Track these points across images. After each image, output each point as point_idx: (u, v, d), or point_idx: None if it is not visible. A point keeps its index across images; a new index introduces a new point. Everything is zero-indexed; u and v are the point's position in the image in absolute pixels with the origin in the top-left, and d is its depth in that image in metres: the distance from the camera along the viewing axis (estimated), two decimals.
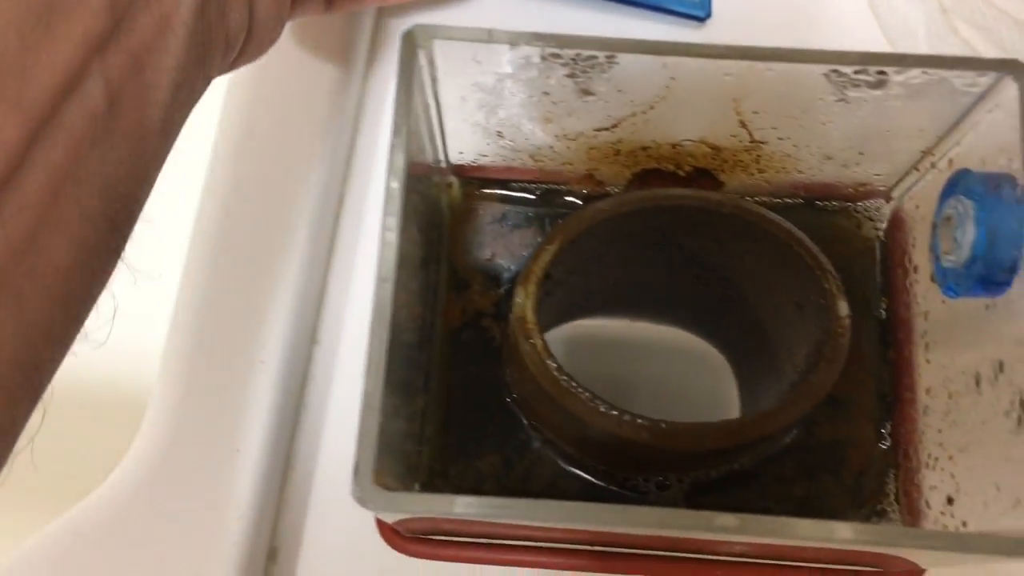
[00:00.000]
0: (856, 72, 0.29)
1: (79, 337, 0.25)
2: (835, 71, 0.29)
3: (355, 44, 0.45)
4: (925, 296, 0.34)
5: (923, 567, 0.33)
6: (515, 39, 0.29)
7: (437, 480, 0.35)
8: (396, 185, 0.28)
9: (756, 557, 0.34)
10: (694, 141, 0.34)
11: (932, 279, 0.33)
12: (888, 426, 0.36)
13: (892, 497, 0.35)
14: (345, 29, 0.45)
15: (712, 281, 0.38)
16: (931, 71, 0.29)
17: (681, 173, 0.36)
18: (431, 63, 0.31)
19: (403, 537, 0.35)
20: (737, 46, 0.29)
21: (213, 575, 0.37)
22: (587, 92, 0.31)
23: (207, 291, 0.40)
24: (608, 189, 0.38)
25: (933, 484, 0.33)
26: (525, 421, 0.36)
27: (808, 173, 0.36)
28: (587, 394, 0.31)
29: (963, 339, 0.32)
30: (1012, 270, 0.29)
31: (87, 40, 0.23)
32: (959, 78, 0.29)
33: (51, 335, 0.23)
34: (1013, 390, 0.28)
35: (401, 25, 0.48)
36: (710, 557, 0.35)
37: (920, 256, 0.34)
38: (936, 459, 0.33)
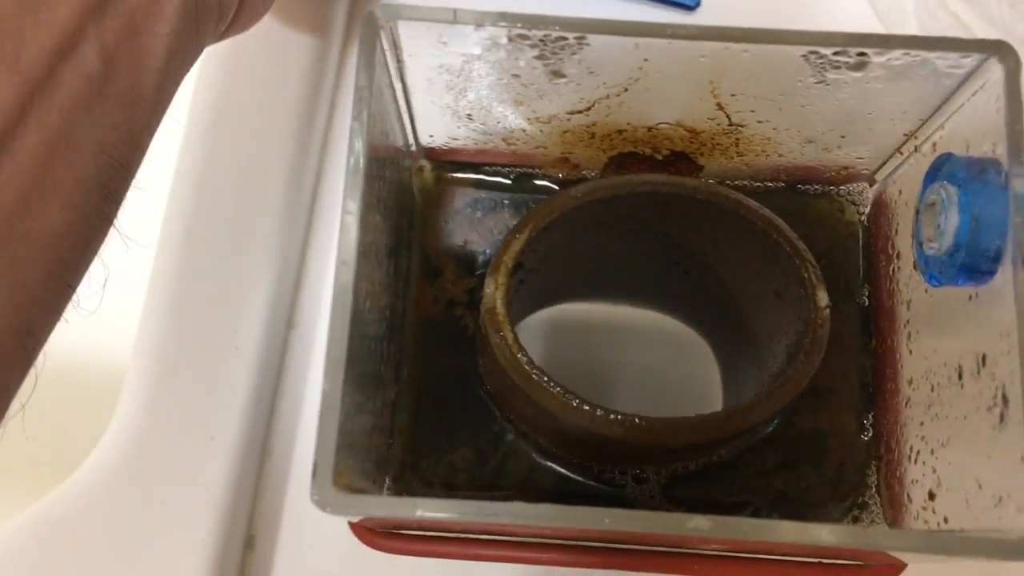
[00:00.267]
0: (836, 54, 0.28)
1: (70, 304, 0.25)
2: (814, 52, 0.28)
3: (332, 20, 0.44)
4: (908, 284, 0.33)
5: (905, 562, 0.32)
6: (481, 19, 0.28)
7: (408, 474, 0.34)
8: (357, 168, 0.27)
9: (736, 551, 0.33)
10: (671, 124, 0.33)
11: (915, 267, 0.32)
12: (870, 417, 0.35)
13: (874, 489, 0.34)
14: (322, 5, 0.43)
15: (691, 267, 0.37)
16: (913, 52, 0.28)
17: (658, 156, 0.35)
18: (395, 45, 0.29)
19: (375, 533, 0.34)
20: (711, 27, 0.28)
21: (189, 564, 0.36)
22: (558, 74, 0.30)
23: (179, 276, 0.39)
24: (584, 173, 0.37)
25: (915, 478, 0.32)
26: (499, 413, 0.35)
27: (789, 156, 0.35)
28: (559, 388, 0.30)
29: (946, 330, 0.31)
30: (996, 259, 0.28)
31: (84, 3, 0.23)
32: (942, 60, 0.28)
33: (44, 301, 0.23)
34: (996, 384, 0.27)
35: (377, 3, 0.46)
36: (689, 551, 0.34)
37: (903, 243, 0.34)
38: (918, 452, 0.32)
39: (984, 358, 0.28)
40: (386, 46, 0.29)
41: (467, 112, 0.33)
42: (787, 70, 0.29)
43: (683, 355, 0.42)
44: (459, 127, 0.34)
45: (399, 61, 0.30)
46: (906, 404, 0.33)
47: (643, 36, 0.28)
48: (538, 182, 0.37)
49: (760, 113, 0.32)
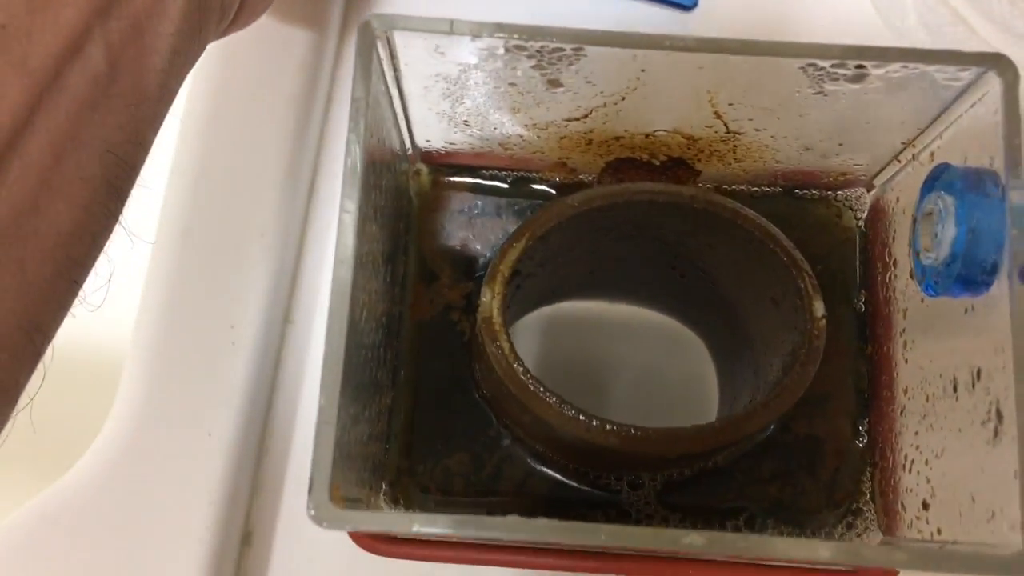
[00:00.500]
0: (834, 66, 0.28)
1: (76, 299, 0.25)
2: (812, 64, 0.28)
3: (328, 17, 0.44)
4: (904, 292, 0.33)
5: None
6: (477, 30, 0.28)
7: (404, 479, 0.34)
8: (354, 176, 0.27)
9: (733, 558, 0.34)
10: (668, 131, 0.33)
11: (911, 275, 0.32)
12: (866, 423, 0.35)
13: (868, 496, 0.34)
14: (318, 2, 0.43)
15: (688, 271, 0.37)
16: (912, 65, 0.28)
17: (656, 162, 0.35)
18: (392, 54, 0.29)
19: (372, 538, 0.34)
20: (709, 39, 0.28)
21: (186, 560, 0.37)
22: (555, 83, 0.30)
23: (176, 273, 0.39)
24: (581, 177, 0.36)
25: (909, 487, 0.32)
26: (495, 418, 0.35)
27: (787, 163, 0.35)
28: (555, 399, 0.30)
29: (942, 341, 0.31)
30: (992, 271, 0.28)
31: (90, 4, 0.24)
32: (940, 72, 0.28)
33: (52, 298, 0.23)
34: (990, 399, 0.27)
35: (372, 2, 0.46)
36: (684, 556, 0.34)
37: (900, 250, 0.33)
38: (912, 461, 0.32)
39: (979, 372, 0.28)
40: (382, 55, 0.29)
41: (464, 119, 0.33)
42: (784, 81, 0.29)
43: (680, 353, 0.42)
44: (456, 132, 0.34)
45: (395, 69, 0.30)
46: (901, 412, 0.33)
47: (640, 48, 0.28)
48: (535, 186, 0.37)
49: (757, 121, 0.32)
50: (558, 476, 0.34)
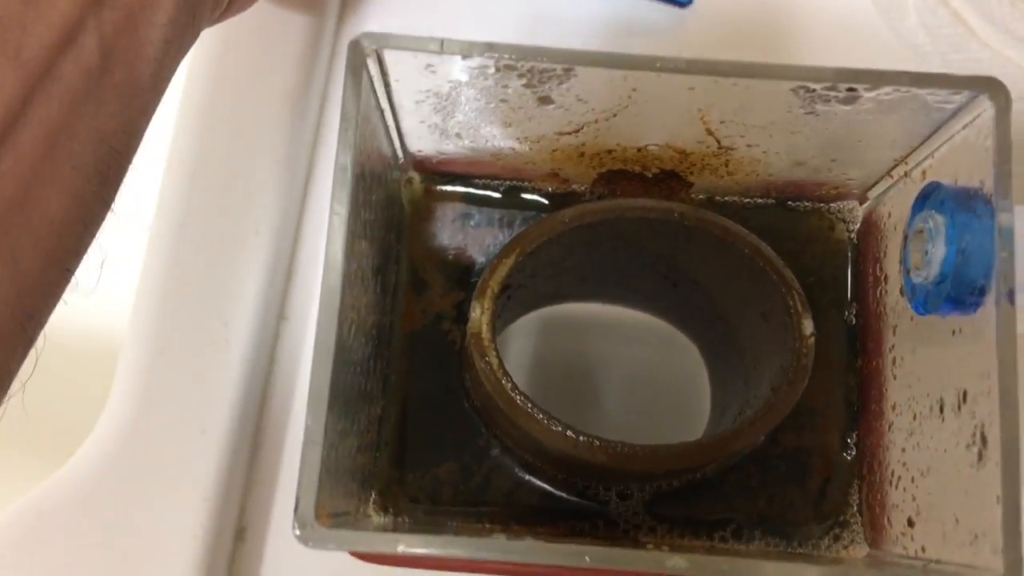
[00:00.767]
0: (825, 88, 0.28)
1: (69, 286, 0.25)
2: (803, 87, 0.28)
3: (324, 7, 0.44)
4: (894, 308, 0.33)
5: None
6: (467, 49, 0.28)
7: (394, 488, 0.35)
8: (344, 184, 0.27)
9: None
10: (660, 145, 0.33)
11: (901, 292, 0.32)
12: (854, 436, 0.35)
13: (855, 509, 0.35)
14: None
15: (679, 281, 0.37)
16: (903, 88, 0.28)
17: (648, 174, 0.35)
18: (382, 69, 0.29)
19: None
20: (700, 60, 0.28)
21: (180, 556, 0.37)
22: (546, 100, 0.30)
23: (170, 269, 0.39)
24: (574, 187, 0.36)
25: (895, 503, 0.32)
26: (484, 428, 0.35)
27: (779, 176, 0.35)
28: (542, 415, 0.30)
29: (930, 360, 0.31)
30: (981, 292, 0.28)
31: None
32: (932, 96, 0.28)
33: (44, 286, 0.24)
34: (975, 423, 0.27)
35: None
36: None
37: (891, 266, 0.33)
38: (899, 478, 0.32)
39: (965, 394, 0.28)
40: (373, 71, 0.29)
41: (456, 131, 0.33)
42: (776, 101, 0.29)
43: (673, 355, 0.42)
44: (448, 144, 0.34)
45: (386, 85, 0.30)
46: (889, 428, 0.33)
47: (631, 69, 0.28)
48: (528, 196, 0.37)
49: (749, 138, 0.32)
50: (547, 486, 0.34)
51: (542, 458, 0.34)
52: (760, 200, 0.36)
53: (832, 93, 0.28)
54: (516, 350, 0.42)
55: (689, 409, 0.42)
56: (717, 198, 0.36)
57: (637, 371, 0.43)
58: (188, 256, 0.39)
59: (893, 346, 0.33)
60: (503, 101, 0.30)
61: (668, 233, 0.33)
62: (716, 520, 0.35)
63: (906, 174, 0.33)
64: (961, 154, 0.30)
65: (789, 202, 0.36)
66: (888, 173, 0.34)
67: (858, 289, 0.36)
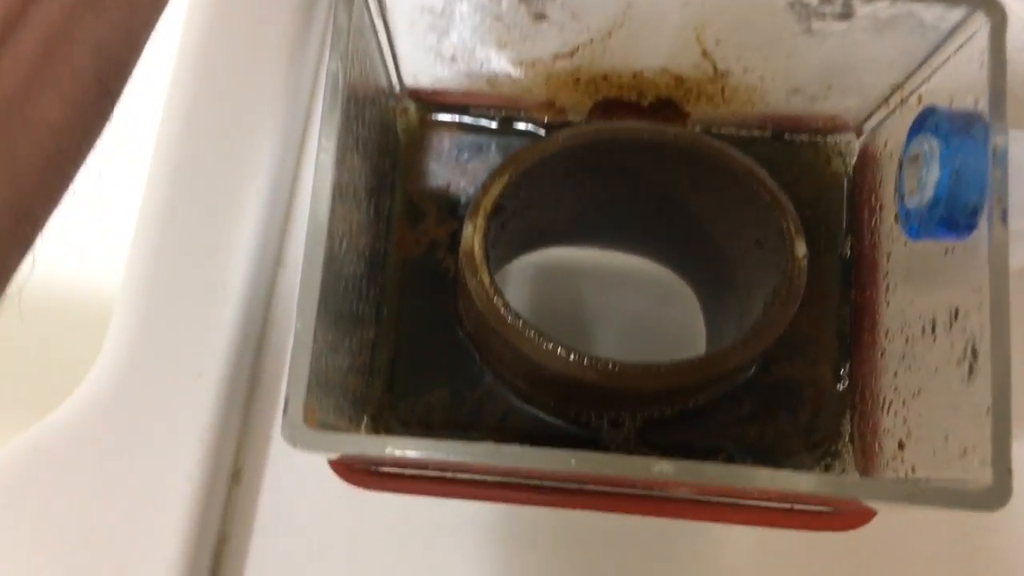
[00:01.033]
0: (821, 3, 0.28)
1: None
2: (799, 2, 0.28)
3: None
4: (889, 236, 0.33)
5: (874, 509, 0.33)
6: None
7: (386, 413, 0.35)
8: (334, 107, 0.27)
9: (710, 495, 0.34)
10: (656, 71, 0.33)
11: (896, 219, 0.32)
12: (847, 367, 0.35)
13: (847, 438, 0.35)
14: None
15: (674, 215, 0.37)
16: (899, 3, 0.28)
17: (643, 103, 0.35)
18: None
19: (354, 470, 0.34)
20: None
21: (175, 496, 0.37)
22: (540, 16, 0.30)
23: (167, 214, 0.39)
24: (570, 117, 0.36)
25: (887, 428, 0.32)
26: (477, 356, 0.35)
27: (775, 106, 0.35)
28: (534, 332, 0.30)
29: (923, 283, 0.31)
30: (974, 213, 0.28)
31: None
32: (928, 12, 0.28)
33: (41, 188, 0.24)
34: (966, 338, 0.27)
35: None
36: (662, 494, 0.34)
37: (887, 195, 0.33)
38: (890, 403, 0.32)
39: (957, 311, 0.28)
40: None
41: (451, 54, 0.33)
42: (772, 19, 0.29)
43: (668, 301, 0.42)
44: (443, 68, 0.34)
45: (380, 2, 0.30)
46: (882, 355, 0.33)
47: None
48: (523, 125, 0.37)
49: (745, 61, 0.32)
50: (539, 413, 0.34)
51: (534, 383, 0.34)
52: (757, 133, 0.36)
53: (828, 8, 0.28)
54: (510, 299, 0.42)
55: (686, 355, 0.42)
56: (713, 130, 0.36)
57: (632, 319, 0.43)
58: (185, 200, 0.39)
59: (887, 273, 0.33)
60: (497, 18, 0.30)
61: (662, 157, 0.32)
62: (707, 448, 0.35)
63: (902, 101, 0.33)
64: (957, 76, 0.30)
65: (786, 135, 0.36)
66: (885, 101, 0.34)
67: (853, 222, 0.36)
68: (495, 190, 0.31)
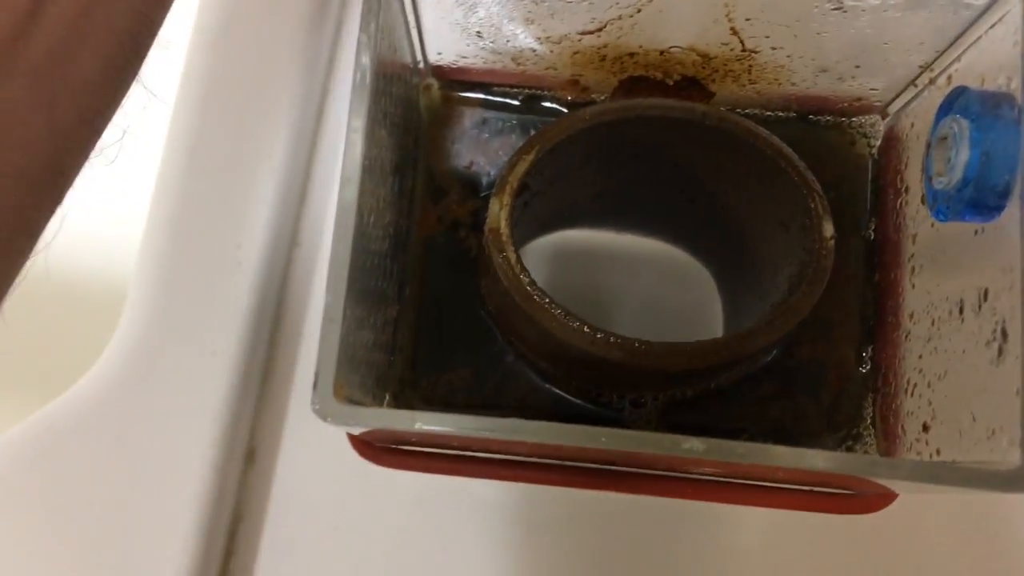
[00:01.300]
0: None
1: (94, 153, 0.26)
2: None
3: None
4: (915, 218, 0.33)
5: (895, 492, 0.33)
6: None
7: (408, 391, 0.35)
8: (363, 83, 0.27)
9: (732, 477, 0.34)
10: (683, 48, 0.33)
11: (923, 201, 0.32)
12: (870, 349, 0.35)
13: (869, 421, 0.34)
14: None
15: (697, 195, 0.36)
16: None
17: (669, 82, 0.35)
18: None
19: (373, 448, 0.34)
20: None
21: (190, 475, 0.37)
22: None
23: (183, 192, 0.39)
24: (593, 96, 0.36)
25: (910, 410, 0.32)
26: (499, 334, 0.35)
27: (802, 86, 0.34)
28: (560, 310, 0.30)
29: (950, 264, 0.31)
30: (1004, 195, 0.28)
31: None
32: None
33: (75, 143, 0.24)
34: (996, 319, 0.27)
35: None
36: (683, 475, 0.34)
37: (912, 177, 0.33)
38: (915, 385, 0.32)
39: (986, 293, 0.28)
40: None
41: (476, 29, 0.33)
42: None
43: (686, 286, 0.42)
44: (468, 45, 0.34)
45: None
46: (906, 338, 0.33)
47: None
48: (546, 104, 0.36)
49: (775, 39, 0.31)
50: (561, 393, 0.34)
51: (557, 362, 0.34)
52: (781, 113, 0.36)
53: None
54: None
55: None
56: (738, 110, 0.36)
57: (650, 302, 0.43)
58: (201, 179, 0.39)
59: (913, 255, 0.33)
60: None
61: (688, 136, 0.32)
62: (729, 429, 0.35)
63: (931, 81, 0.32)
64: (989, 56, 0.29)
65: (811, 116, 0.36)
66: (912, 82, 0.33)
67: (877, 204, 0.36)
68: (521, 168, 0.31)
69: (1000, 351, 0.27)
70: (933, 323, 0.31)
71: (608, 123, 0.31)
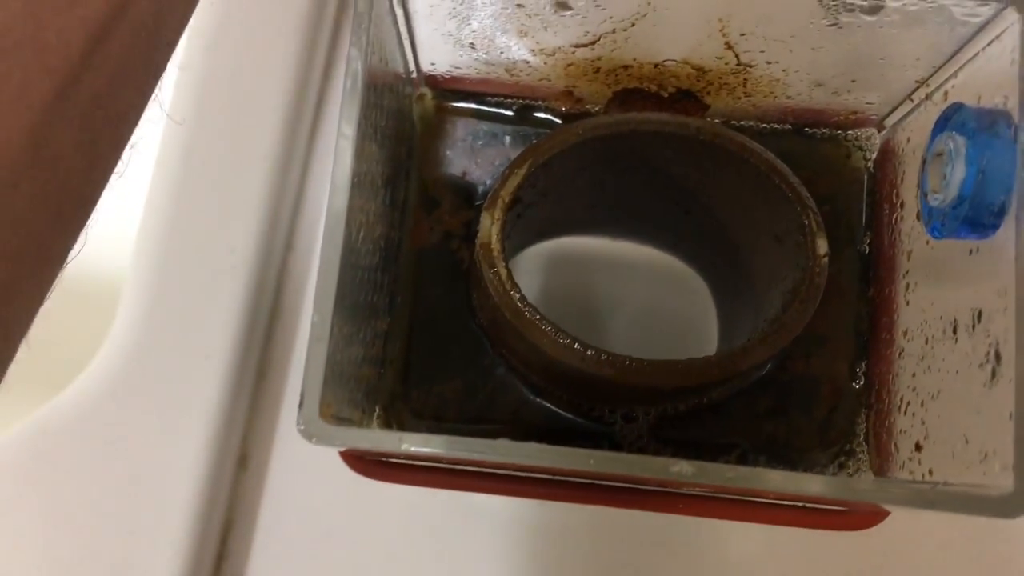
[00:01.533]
0: None
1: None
2: None
3: None
4: (910, 234, 0.33)
5: (888, 509, 0.32)
6: None
7: (398, 404, 0.34)
8: (354, 93, 0.27)
9: (724, 493, 0.34)
10: (677, 61, 0.32)
11: (918, 217, 0.32)
12: (863, 365, 0.35)
13: (862, 438, 0.34)
14: None
15: (691, 207, 0.36)
16: None
17: (664, 94, 0.34)
18: None
19: (364, 461, 0.34)
20: None
21: (182, 480, 0.37)
22: (563, 6, 0.30)
23: (177, 196, 0.39)
24: (588, 107, 0.36)
25: (903, 428, 0.32)
26: (490, 347, 0.35)
27: (797, 99, 0.34)
28: (550, 327, 0.30)
29: (944, 283, 0.30)
30: (999, 213, 0.28)
31: None
32: (958, 7, 0.27)
33: (108, 173, 0.24)
34: (990, 341, 0.27)
35: None
36: (675, 491, 0.34)
37: (908, 192, 0.33)
38: (908, 403, 0.32)
39: (980, 314, 0.28)
40: None
41: (470, 41, 0.32)
42: (799, 11, 0.28)
43: (681, 294, 0.42)
44: (462, 56, 0.34)
45: None
46: (899, 355, 0.33)
47: None
48: (540, 115, 0.36)
49: (770, 54, 0.31)
50: (552, 407, 0.34)
51: (548, 376, 0.33)
52: (777, 126, 0.36)
53: (857, 2, 0.28)
54: (522, 287, 0.42)
55: (696, 349, 0.42)
56: (733, 122, 0.36)
57: (644, 309, 0.43)
58: (195, 183, 0.39)
59: (907, 272, 0.33)
60: (519, 6, 0.30)
61: (683, 150, 0.32)
62: (721, 445, 0.34)
63: (927, 96, 0.32)
64: (985, 73, 0.29)
65: (806, 128, 0.36)
66: (908, 96, 0.33)
67: (872, 218, 0.35)
68: (514, 182, 0.31)
69: (993, 373, 0.27)
70: (927, 341, 0.31)
71: (602, 137, 0.31)
